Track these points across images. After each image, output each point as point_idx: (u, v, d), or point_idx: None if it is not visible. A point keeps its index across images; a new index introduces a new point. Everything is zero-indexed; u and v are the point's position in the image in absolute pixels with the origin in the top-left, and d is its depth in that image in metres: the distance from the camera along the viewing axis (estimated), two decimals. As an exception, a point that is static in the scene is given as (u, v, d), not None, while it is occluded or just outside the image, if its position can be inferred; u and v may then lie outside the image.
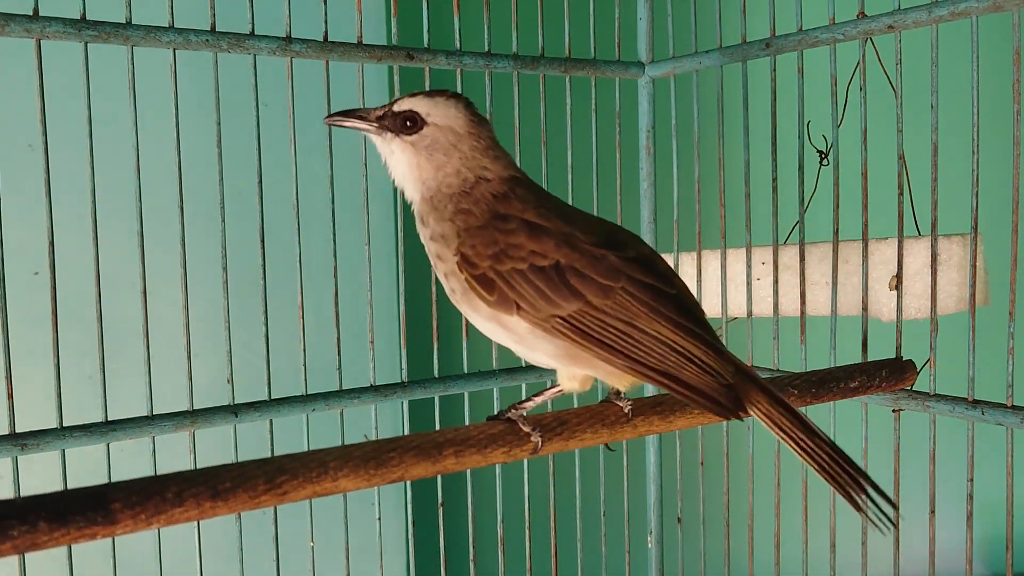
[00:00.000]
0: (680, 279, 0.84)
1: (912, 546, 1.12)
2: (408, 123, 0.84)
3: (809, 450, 0.78)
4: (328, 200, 1.09)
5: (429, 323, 1.15)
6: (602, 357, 0.77)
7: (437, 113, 0.84)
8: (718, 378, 0.77)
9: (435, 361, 1.16)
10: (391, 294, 1.51)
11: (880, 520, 0.78)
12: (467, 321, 1.10)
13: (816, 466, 0.78)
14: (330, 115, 0.88)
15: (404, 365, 1.16)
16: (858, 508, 0.78)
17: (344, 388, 1.11)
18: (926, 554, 1.05)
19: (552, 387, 0.84)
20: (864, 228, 1.08)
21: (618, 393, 0.84)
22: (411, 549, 1.17)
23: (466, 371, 1.18)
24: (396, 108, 0.84)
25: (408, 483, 1.13)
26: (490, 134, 0.86)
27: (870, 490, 0.77)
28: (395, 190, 0.94)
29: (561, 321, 0.77)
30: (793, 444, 0.79)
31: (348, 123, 0.86)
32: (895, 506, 0.79)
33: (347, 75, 1.16)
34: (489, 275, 0.78)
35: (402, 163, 0.85)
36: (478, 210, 0.81)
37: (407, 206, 0.88)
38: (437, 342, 1.16)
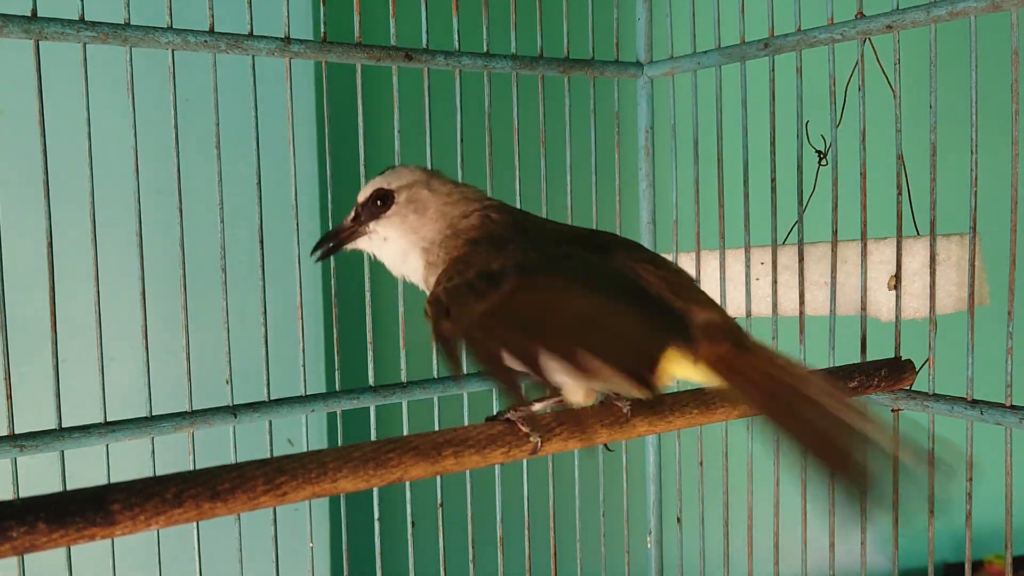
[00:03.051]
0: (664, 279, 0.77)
1: (904, 544, 1.12)
2: (379, 203, 0.86)
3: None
4: (326, 200, 1.09)
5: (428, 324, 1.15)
6: (511, 348, 0.74)
7: (396, 180, 0.87)
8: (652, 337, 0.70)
9: (434, 362, 1.16)
10: (391, 295, 1.50)
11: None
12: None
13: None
14: (312, 251, 0.90)
15: (404, 366, 1.16)
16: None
17: (343, 389, 1.11)
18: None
19: (555, 395, 0.82)
20: (863, 228, 1.08)
21: (617, 394, 0.84)
22: (411, 549, 1.16)
23: (465, 371, 1.18)
24: (361, 199, 0.87)
25: (408, 483, 1.13)
26: (447, 181, 0.88)
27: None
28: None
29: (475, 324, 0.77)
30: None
31: (332, 247, 0.88)
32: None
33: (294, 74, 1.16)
34: (441, 298, 0.80)
35: (395, 238, 0.87)
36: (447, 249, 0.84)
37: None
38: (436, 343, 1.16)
